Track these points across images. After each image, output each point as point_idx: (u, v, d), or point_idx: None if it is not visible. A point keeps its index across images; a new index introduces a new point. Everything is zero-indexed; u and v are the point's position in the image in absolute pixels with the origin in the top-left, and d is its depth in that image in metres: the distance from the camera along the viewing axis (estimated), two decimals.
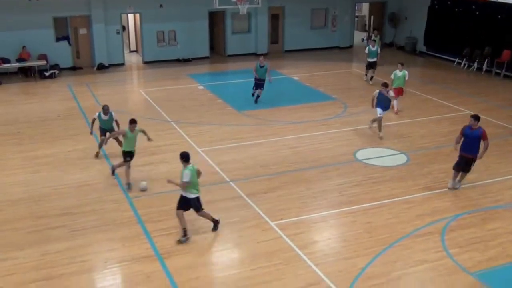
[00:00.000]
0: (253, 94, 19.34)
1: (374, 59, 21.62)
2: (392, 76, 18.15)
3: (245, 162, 14.30)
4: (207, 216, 10.73)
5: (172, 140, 15.69)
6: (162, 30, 25.78)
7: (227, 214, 11.49)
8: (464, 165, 12.53)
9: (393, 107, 17.57)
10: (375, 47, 21.60)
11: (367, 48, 21.79)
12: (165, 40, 26.00)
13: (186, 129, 16.60)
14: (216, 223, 10.82)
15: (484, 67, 23.83)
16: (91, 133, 14.51)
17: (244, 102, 19.37)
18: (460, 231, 10.92)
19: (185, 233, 10.46)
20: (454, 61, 25.57)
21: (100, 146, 14.29)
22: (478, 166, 13.08)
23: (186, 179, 10.09)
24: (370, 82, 21.65)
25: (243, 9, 22.71)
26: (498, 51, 23.54)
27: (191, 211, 10.53)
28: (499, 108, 18.65)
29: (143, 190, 12.52)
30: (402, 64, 18.07)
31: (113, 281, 9.47)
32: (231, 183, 13.07)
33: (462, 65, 24.99)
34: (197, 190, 10.43)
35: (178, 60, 26.12)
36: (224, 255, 10.25)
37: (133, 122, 12.47)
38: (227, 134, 16.30)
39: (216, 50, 28.00)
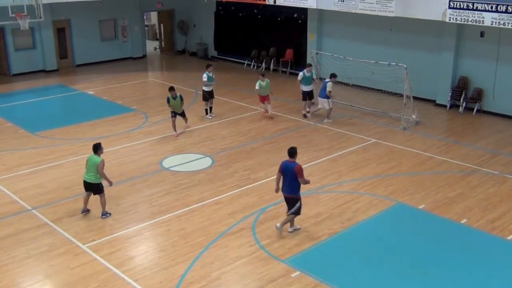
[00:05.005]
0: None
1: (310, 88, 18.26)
2: (257, 87, 18.22)
3: (46, 186, 13.44)
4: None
5: None
6: None
7: (33, 245, 10.71)
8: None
9: (267, 111, 18.60)
10: (310, 72, 18.12)
11: (301, 74, 18.18)
12: None
13: None
14: None
15: (271, 66, 25.51)
16: None
17: (38, 123, 18.18)
18: (268, 223, 11.54)
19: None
20: (244, 63, 26.92)
21: None
22: (278, 158, 13.88)
23: None
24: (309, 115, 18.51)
25: (24, 24, 21.25)
26: (282, 51, 25.36)
27: None
28: (288, 103, 20.09)
29: None
30: (263, 75, 18.45)
31: None
32: (33, 210, 12.17)
33: (251, 66, 26.42)
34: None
35: None
36: None
37: None
38: (23, 159, 15.14)
39: None
